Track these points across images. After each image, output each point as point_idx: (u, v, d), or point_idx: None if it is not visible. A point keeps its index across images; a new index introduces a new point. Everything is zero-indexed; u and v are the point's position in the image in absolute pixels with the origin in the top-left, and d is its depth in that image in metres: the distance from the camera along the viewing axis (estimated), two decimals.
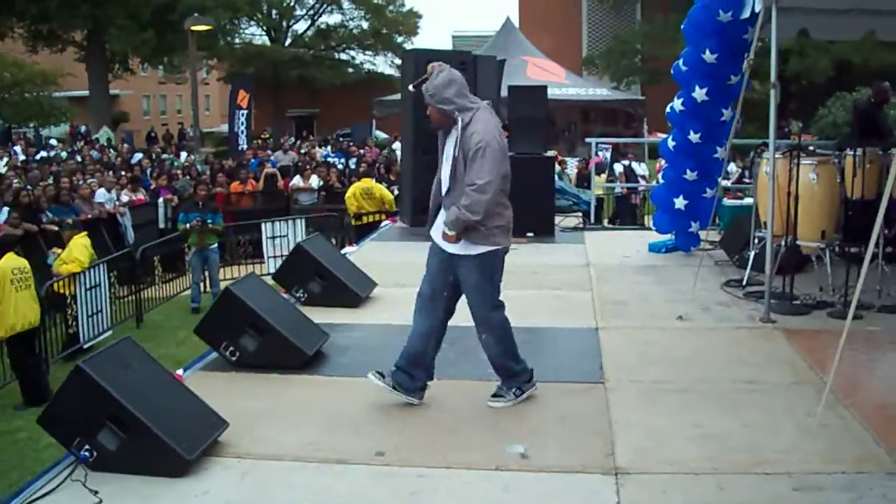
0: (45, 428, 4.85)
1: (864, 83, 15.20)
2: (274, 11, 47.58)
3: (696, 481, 4.54)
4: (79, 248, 12.56)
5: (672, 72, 9.90)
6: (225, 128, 31.52)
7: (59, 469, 4.72)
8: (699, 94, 9.42)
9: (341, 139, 34.37)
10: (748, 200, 10.98)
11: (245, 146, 27.13)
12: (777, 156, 8.08)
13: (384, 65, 49.11)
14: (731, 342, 7.03)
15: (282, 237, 16.13)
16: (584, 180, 19.28)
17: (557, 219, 12.54)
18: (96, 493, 4.43)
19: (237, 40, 46.37)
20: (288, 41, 47.91)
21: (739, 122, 9.24)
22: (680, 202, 10.10)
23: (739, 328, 7.41)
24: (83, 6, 33.97)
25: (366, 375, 5.71)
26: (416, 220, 12.15)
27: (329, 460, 4.86)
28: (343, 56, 49.60)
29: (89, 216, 16.42)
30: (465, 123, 5.31)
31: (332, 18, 48.90)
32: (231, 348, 6.39)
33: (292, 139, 36.04)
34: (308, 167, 22.00)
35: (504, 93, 12.64)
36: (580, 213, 14.34)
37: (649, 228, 11.56)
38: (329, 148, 30.64)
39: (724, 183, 14.57)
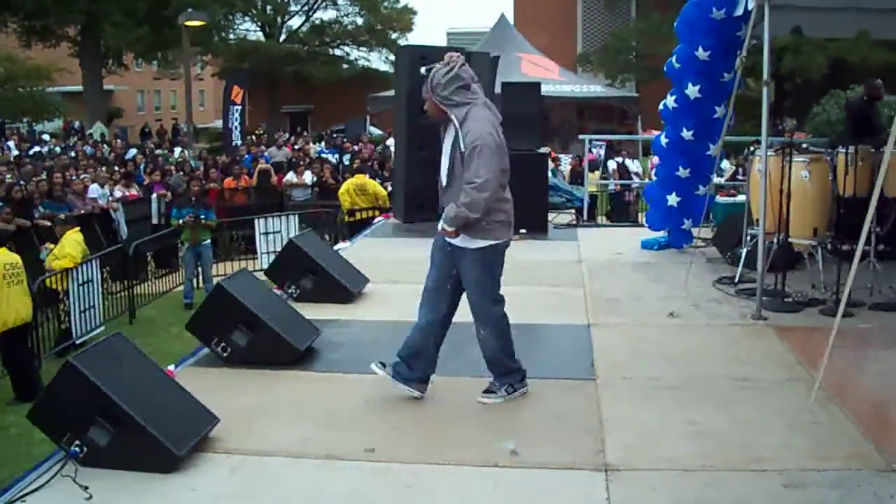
0: (35, 423, 4.85)
1: (859, 81, 15.22)
2: (268, 7, 47.44)
3: (686, 478, 4.55)
4: (71, 244, 12.55)
5: (665, 69, 9.90)
6: (219, 123, 31.43)
7: (49, 465, 4.71)
8: (692, 91, 9.42)
9: (335, 135, 34.33)
10: (741, 198, 11.00)
11: (239, 142, 27.08)
12: (770, 153, 8.10)
13: (379, 61, 48.98)
14: (722, 339, 7.03)
15: (275, 233, 16.13)
16: (577, 177, 19.28)
17: (551, 215, 12.54)
18: (86, 488, 4.43)
19: (232, 36, 46.21)
20: (282, 37, 47.75)
21: (732, 119, 9.25)
22: (673, 199, 10.11)
23: (731, 325, 7.42)
24: (78, 1, 33.86)
25: (356, 371, 5.71)
26: (410, 217, 12.17)
27: (320, 456, 4.86)
28: (338, 52, 49.45)
29: (82, 211, 16.40)
30: (459, 121, 5.33)
31: (327, 14, 48.80)
32: (223, 344, 6.39)
33: (286, 135, 35.96)
34: (302, 163, 21.98)
35: (498, 89, 12.63)
36: (573, 210, 14.35)
37: (643, 225, 11.55)
38: (323, 144, 30.60)
39: (718, 180, 14.61)
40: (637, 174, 21.81)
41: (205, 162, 23.55)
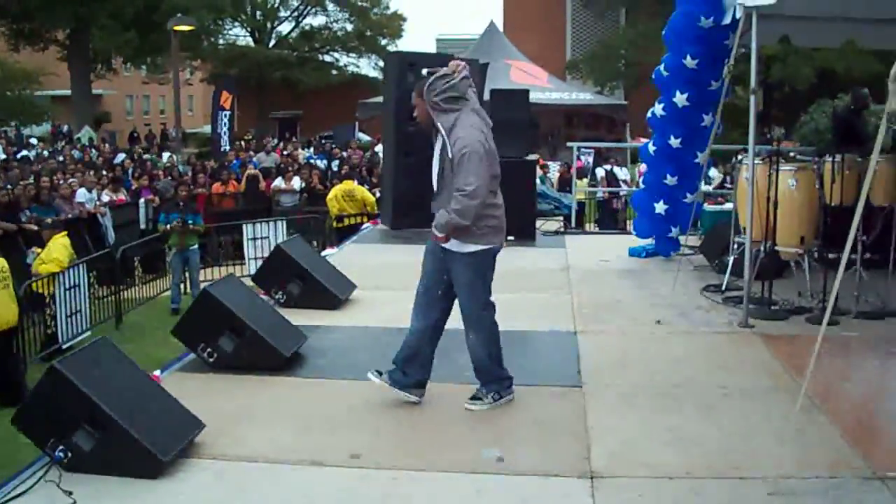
0: (18, 428, 4.82)
1: (847, 90, 15.28)
2: (258, 13, 47.45)
3: (671, 485, 4.55)
4: (58, 248, 12.52)
5: (653, 77, 9.93)
6: (208, 129, 31.39)
7: (32, 470, 4.68)
8: (680, 99, 9.45)
9: (324, 141, 34.30)
10: (729, 206, 11.02)
11: (228, 147, 27.05)
12: (757, 161, 8.12)
13: (368, 67, 49.01)
14: (709, 347, 7.05)
15: (263, 238, 16.10)
16: (566, 184, 19.31)
17: (539, 223, 12.56)
18: (70, 493, 4.41)
19: (221, 41, 46.20)
20: (272, 42, 47.78)
21: (720, 127, 9.27)
22: (660, 207, 10.13)
23: (718, 333, 7.43)
24: (66, 5, 33.79)
25: (342, 377, 5.70)
26: (397, 223, 12.16)
27: (304, 462, 4.85)
28: (327, 58, 49.45)
29: (70, 216, 16.35)
30: (446, 128, 5.35)
31: (317, 20, 48.82)
32: (209, 349, 6.37)
33: (275, 141, 35.93)
34: (290, 169, 21.96)
35: (487, 96, 12.64)
36: (562, 218, 14.36)
37: (630, 233, 11.57)
38: (312, 150, 30.58)
39: (706, 188, 14.65)
40: (625, 182, 21.86)
41: (193, 167, 23.51)
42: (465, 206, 5.23)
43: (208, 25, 40.07)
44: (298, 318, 7.31)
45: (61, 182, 18.69)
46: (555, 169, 23.43)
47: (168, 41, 28.15)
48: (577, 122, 35.23)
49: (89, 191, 18.01)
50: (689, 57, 9.20)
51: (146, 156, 27.95)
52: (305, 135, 42.25)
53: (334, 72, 48.13)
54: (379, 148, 23.80)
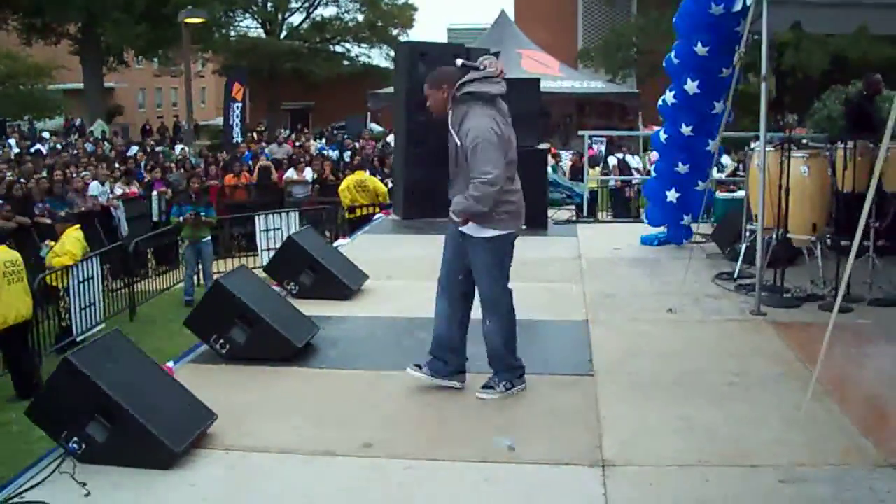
0: (33, 420, 4.85)
1: (860, 77, 15.23)
2: (269, 4, 47.38)
3: (682, 473, 4.55)
4: (72, 241, 12.57)
5: (664, 65, 9.90)
6: (220, 121, 31.44)
7: (47, 461, 4.70)
8: (691, 86, 9.42)
9: (336, 132, 34.31)
10: (741, 193, 10.99)
11: (240, 139, 27.09)
12: (769, 148, 8.09)
13: (380, 57, 48.92)
14: (721, 335, 7.04)
15: (275, 230, 16.14)
16: (578, 173, 19.28)
17: (550, 212, 12.55)
18: (84, 485, 4.43)
19: (232, 33, 46.22)
20: (283, 34, 47.74)
21: (731, 115, 9.24)
22: (672, 195, 10.11)
23: (730, 321, 7.42)
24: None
25: (354, 367, 5.70)
26: (409, 213, 12.16)
27: (316, 452, 4.86)
28: (338, 49, 49.40)
29: (83, 209, 16.42)
30: (458, 120, 5.42)
31: (328, 11, 48.73)
32: (221, 341, 6.38)
33: (287, 132, 35.97)
34: (302, 160, 21.99)
35: None
36: (573, 207, 14.35)
37: (642, 221, 11.55)
38: (324, 141, 30.60)
39: (718, 176, 14.62)
40: (638, 170, 21.80)
41: (205, 159, 23.58)
42: (484, 193, 5.26)
43: (219, 17, 40.14)
44: (310, 308, 7.31)
45: (74, 175, 18.80)
46: (567, 158, 23.40)
47: (179, 34, 28.21)
48: (589, 110, 35.18)
49: (102, 184, 18.09)
50: (699, 44, 9.16)
51: (158, 148, 28.02)
52: (317, 126, 42.31)
53: (346, 62, 48.08)
54: (391, 138, 23.81)
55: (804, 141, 9.50)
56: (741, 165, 16.67)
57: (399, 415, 5.43)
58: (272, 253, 13.06)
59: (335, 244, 10.56)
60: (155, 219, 18.58)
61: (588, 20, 45.47)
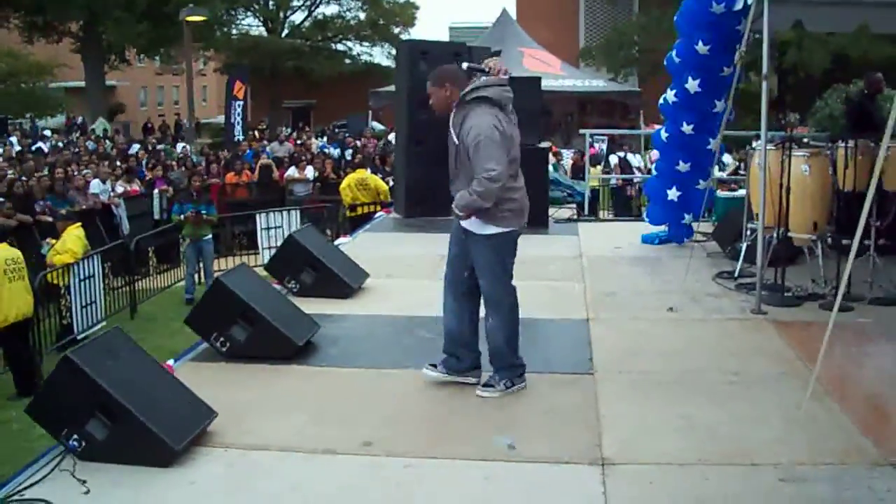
0: (33, 418, 4.85)
1: (861, 76, 15.24)
2: (271, 2, 47.41)
3: (682, 472, 4.55)
4: (73, 239, 12.57)
5: (665, 63, 9.90)
6: (222, 119, 31.45)
7: (47, 459, 4.71)
8: (692, 85, 9.41)
9: (337, 130, 34.33)
10: (742, 192, 10.99)
11: (241, 137, 27.10)
12: (769, 147, 8.09)
13: (381, 56, 48.97)
14: (721, 334, 7.04)
15: (276, 228, 16.15)
16: (579, 172, 19.28)
17: (551, 210, 12.54)
18: (84, 482, 4.43)
19: (234, 31, 46.24)
20: (285, 32, 47.76)
21: (732, 113, 9.24)
22: (673, 193, 10.10)
23: (730, 320, 7.42)
24: None
25: (354, 366, 5.70)
26: (410, 211, 12.16)
27: (317, 450, 4.86)
28: (340, 47, 49.45)
29: (84, 207, 16.42)
30: (460, 119, 5.44)
31: (329, 9, 48.77)
32: (221, 339, 6.38)
33: (288, 130, 35.97)
34: (304, 158, 21.99)
35: None
36: (574, 205, 14.34)
37: (644, 220, 11.54)
38: (325, 139, 30.60)
39: (720, 174, 14.61)
40: (639, 169, 21.80)
41: (206, 157, 23.58)
42: (487, 189, 5.28)
43: (221, 16, 40.15)
44: (311, 306, 7.32)
45: (75, 173, 18.79)
46: (568, 156, 23.39)
47: (181, 32, 28.20)
48: (591, 109, 35.14)
49: (103, 182, 18.10)
50: (700, 43, 9.16)
51: (160, 146, 28.02)
52: (319, 124, 42.30)
53: (347, 61, 48.15)
54: (392, 136, 23.81)
55: (805, 140, 9.49)
56: (742, 164, 16.67)
57: (399, 413, 5.43)
58: (273, 251, 13.07)
59: (336, 242, 10.56)
60: (156, 217, 18.58)
61: (590, 19, 45.49)
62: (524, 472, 4.60)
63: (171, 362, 6.18)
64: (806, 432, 4.97)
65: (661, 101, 10.06)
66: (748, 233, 9.06)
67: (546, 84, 13.95)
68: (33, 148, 26.89)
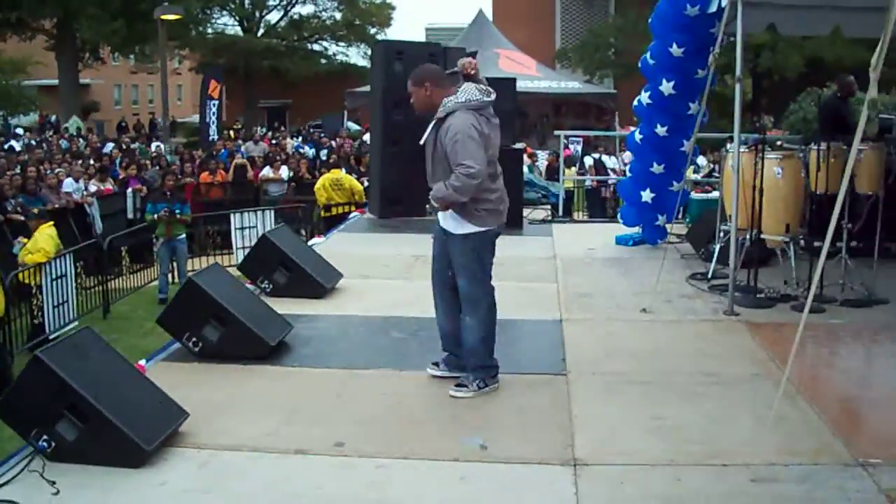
0: (2, 418, 4.80)
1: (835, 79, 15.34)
2: (247, 1, 47.34)
3: (654, 473, 4.56)
4: (45, 238, 12.48)
5: (640, 65, 9.94)
6: (197, 118, 31.33)
7: (16, 460, 4.66)
8: (666, 87, 9.46)
9: (312, 130, 34.27)
10: (716, 194, 11.04)
11: (216, 137, 27.00)
12: (742, 150, 8.13)
13: (357, 56, 48.97)
14: (694, 335, 7.06)
15: (251, 228, 16.06)
16: (554, 173, 19.32)
17: (526, 211, 12.55)
18: (54, 483, 4.39)
19: (209, 30, 46.09)
20: (260, 31, 47.66)
21: (706, 115, 9.27)
22: (647, 195, 10.14)
23: (703, 321, 7.44)
24: None
25: (327, 366, 5.68)
26: (385, 212, 12.14)
27: (288, 451, 4.84)
28: (316, 47, 49.42)
29: (56, 206, 16.30)
30: (442, 115, 5.46)
31: (305, 9, 48.74)
32: (194, 339, 6.35)
33: (263, 129, 35.88)
34: (278, 158, 21.94)
35: None
36: (549, 206, 14.36)
37: (618, 221, 11.57)
38: (300, 139, 30.53)
39: (694, 176, 14.67)
40: (614, 170, 21.86)
41: (181, 156, 23.47)
42: (465, 184, 5.29)
43: (196, 14, 39.98)
44: (284, 307, 7.29)
45: (48, 172, 18.64)
46: (543, 158, 23.43)
47: (156, 30, 28.04)
48: (566, 110, 35.27)
49: (76, 181, 17.96)
50: (675, 45, 9.20)
51: (134, 145, 27.88)
52: (294, 124, 42.22)
53: (323, 61, 48.13)
54: (367, 137, 23.78)
55: (779, 142, 9.53)
56: (716, 166, 16.74)
57: (371, 413, 5.41)
58: (247, 251, 13.03)
59: (310, 242, 10.53)
60: (130, 216, 18.45)
61: (566, 20, 45.63)
62: (496, 473, 4.59)
63: (143, 362, 6.15)
64: (777, 433, 4.98)
65: (635, 102, 10.10)
66: (721, 234, 9.09)
67: (521, 85, 14.00)
68: (5, 146, 26.68)
